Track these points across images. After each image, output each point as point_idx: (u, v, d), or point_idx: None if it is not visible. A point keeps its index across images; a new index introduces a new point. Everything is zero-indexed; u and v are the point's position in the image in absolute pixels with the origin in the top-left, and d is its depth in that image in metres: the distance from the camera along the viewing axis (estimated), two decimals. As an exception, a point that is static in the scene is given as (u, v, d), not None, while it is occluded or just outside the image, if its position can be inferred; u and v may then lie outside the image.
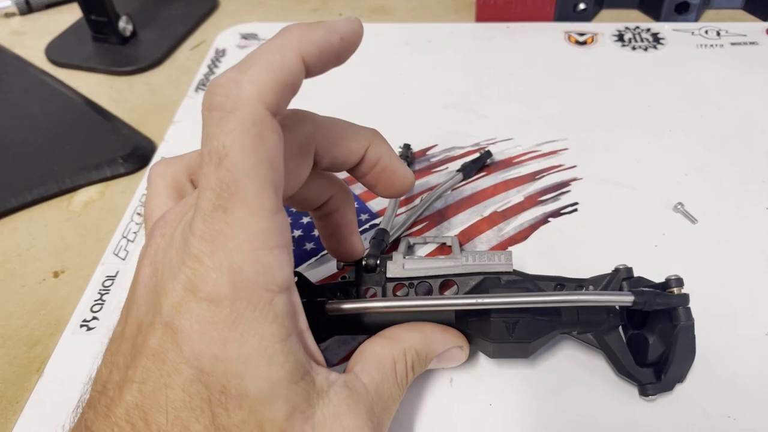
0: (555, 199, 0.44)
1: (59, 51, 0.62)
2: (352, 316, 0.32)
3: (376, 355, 0.29)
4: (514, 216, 0.43)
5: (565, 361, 0.34)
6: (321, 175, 0.31)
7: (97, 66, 0.60)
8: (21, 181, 0.47)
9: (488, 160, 0.46)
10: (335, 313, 0.31)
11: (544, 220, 0.42)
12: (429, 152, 0.48)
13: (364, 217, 0.43)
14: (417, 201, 0.43)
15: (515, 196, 0.44)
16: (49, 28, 0.66)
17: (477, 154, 0.46)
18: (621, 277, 0.33)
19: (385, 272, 0.34)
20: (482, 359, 0.35)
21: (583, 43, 0.59)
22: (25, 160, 0.49)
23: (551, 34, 0.60)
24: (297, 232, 0.43)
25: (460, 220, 0.43)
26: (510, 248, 0.40)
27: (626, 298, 0.30)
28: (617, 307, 0.33)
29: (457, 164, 0.47)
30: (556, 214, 0.43)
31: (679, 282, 0.32)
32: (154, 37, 0.63)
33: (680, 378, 0.32)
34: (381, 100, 0.54)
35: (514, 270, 0.33)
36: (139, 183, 0.47)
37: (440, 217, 0.43)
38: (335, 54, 0.25)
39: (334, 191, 0.32)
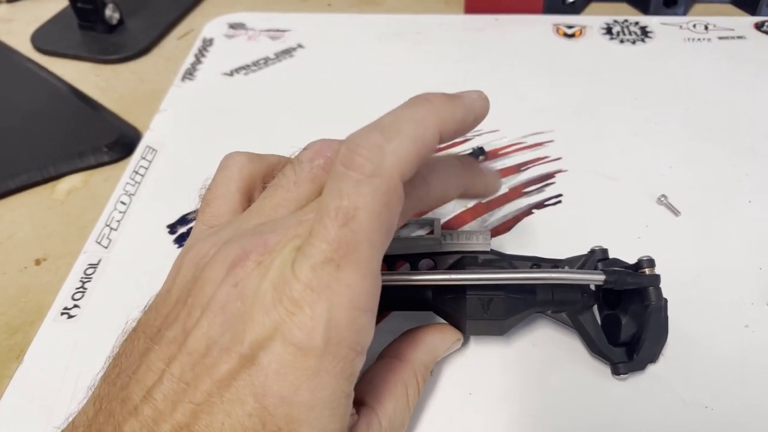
0: (540, 190, 0.44)
1: (45, 39, 0.62)
2: None
3: (387, 383, 0.29)
4: (499, 207, 0.43)
5: (541, 340, 0.35)
6: None
7: (84, 54, 0.60)
8: (4, 169, 0.47)
9: (480, 157, 0.46)
10: None
11: (528, 212, 0.42)
12: (415, 143, 0.48)
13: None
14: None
15: (500, 187, 0.44)
16: (35, 16, 0.65)
17: (469, 150, 0.46)
18: (596, 258, 0.34)
19: None
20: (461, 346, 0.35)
21: (572, 35, 0.59)
22: (9, 148, 0.49)
23: (540, 26, 0.60)
24: None
25: (444, 210, 0.43)
26: (493, 239, 0.40)
27: (598, 277, 0.31)
28: (592, 287, 0.33)
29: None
30: (540, 205, 0.43)
31: (651, 263, 0.32)
32: (141, 26, 0.63)
33: (652, 358, 0.33)
34: (369, 91, 0.54)
35: (492, 249, 0.34)
36: (123, 171, 0.47)
37: (425, 207, 0.43)
38: (465, 131, 0.27)
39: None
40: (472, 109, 0.27)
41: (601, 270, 0.32)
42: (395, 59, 0.57)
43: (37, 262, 0.42)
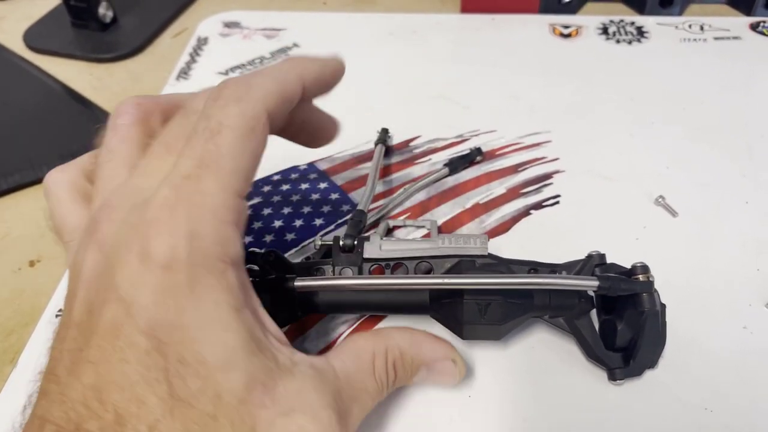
0: (537, 191, 0.44)
1: (38, 37, 0.61)
2: (324, 293, 0.32)
3: (356, 346, 0.28)
4: (497, 208, 0.42)
5: (539, 344, 0.35)
6: None
7: (77, 53, 0.59)
8: (-3, 169, 0.46)
9: (477, 158, 0.46)
10: (304, 290, 0.31)
11: (526, 212, 0.42)
12: (412, 143, 0.48)
13: (345, 208, 0.43)
14: (400, 191, 0.43)
15: (498, 188, 0.44)
16: (27, 14, 0.65)
17: (466, 150, 0.46)
18: (593, 263, 0.33)
19: (362, 253, 0.34)
20: (459, 348, 0.34)
21: (568, 35, 0.59)
22: (1, 147, 0.48)
23: (536, 26, 0.60)
24: (278, 222, 0.42)
25: (442, 211, 0.42)
26: (491, 240, 0.40)
27: (591, 283, 0.31)
28: (590, 292, 0.33)
29: (440, 156, 0.47)
30: (538, 206, 0.42)
31: (645, 269, 0.32)
32: (135, 24, 0.62)
33: (650, 364, 0.33)
34: (364, 90, 0.54)
35: (489, 254, 0.33)
36: (118, 172, 0.47)
37: (422, 208, 0.43)
38: (325, 84, 0.31)
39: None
40: (327, 64, 0.30)
41: (594, 276, 0.31)
42: (391, 58, 0.57)
43: (32, 264, 0.41)
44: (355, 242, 0.34)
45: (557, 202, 0.43)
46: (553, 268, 0.34)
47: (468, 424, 0.32)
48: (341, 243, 0.34)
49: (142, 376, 0.22)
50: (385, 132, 0.47)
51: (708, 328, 0.35)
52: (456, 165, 0.45)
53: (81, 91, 0.55)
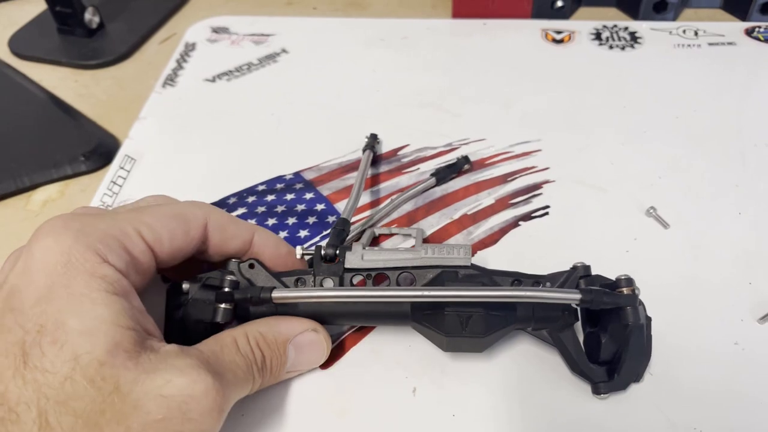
0: (526, 202, 0.43)
1: (23, 43, 0.60)
2: (305, 305, 0.32)
3: (217, 336, 0.29)
4: (485, 219, 0.42)
5: (522, 357, 0.34)
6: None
7: (62, 59, 0.58)
8: (-24, 179, 0.45)
9: (465, 166, 0.45)
10: (281, 302, 0.31)
11: (514, 224, 0.41)
12: (400, 152, 0.47)
13: (331, 219, 0.42)
14: (386, 202, 0.42)
15: (486, 198, 0.43)
16: (12, 19, 0.64)
17: (454, 159, 0.45)
18: (578, 275, 0.33)
19: (343, 263, 0.33)
20: (443, 362, 0.34)
21: (560, 41, 0.58)
22: (-18, 157, 0.48)
23: (528, 31, 0.59)
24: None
25: (430, 222, 0.42)
26: (479, 252, 0.39)
27: (573, 296, 0.30)
28: (573, 305, 0.32)
29: (429, 165, 0.46)
30: (527, 217, 0.42)
31: (629, 282, 0.31)
32: (121, 30, 0.61)
33: (635, 378, 0.32)
34: (353, 97, 0.53)
35: (472, 264, 0.33)
36: (101, 182, 0.46)
37: (409, 219, 0.42)
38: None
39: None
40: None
41: (577, 289, 0.30)
42: (381, 64, 0.56)
43: (10, 277, 0.40)
44: (337, 252, 0.34)
45: (546, 213, 0.42)
46: (537, 280, 0.33)
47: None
48: (323, 252, 0.34)
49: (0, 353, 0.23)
50: (374, 138, 0.46)
51: (698, 344, 0.34)
52: (443, 175, 0.44)
53: (66, 98, 0.54)
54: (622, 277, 0.31)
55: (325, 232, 0.41)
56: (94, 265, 0.25)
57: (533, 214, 0.42)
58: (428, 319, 0.32)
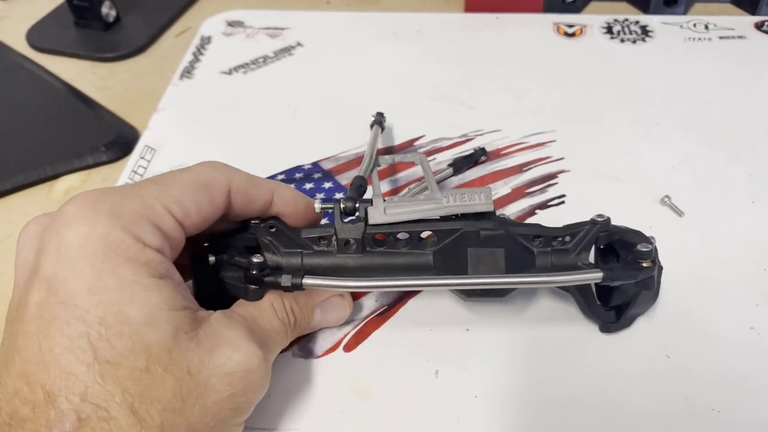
0: (542, 191, 0.43)
1: (41, 36, 0.61)
2: (330, 268, 0.33)
3: (253, 302, 0.31)
4: (501, 208, 0.42)
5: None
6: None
7: (80, 52, 0.59)
8: (0, 168, 0.46)
9: (482, 158, 0.46)
10: (311, 288, 0.31)
11: (531, 212, 0.42)
12: (416, 143, 0.48)
13: (338, 195, 0.43)
14: (404, 191, 0.43)
15: (502, 187, 0.44)
16: (30, 13, 0.64)
17: (471, 150, 0.46)
18: (598, 230, 0.34)
19: (366, 220, 0.33)
20: (464, 345, 0.35)
21: (572, 35, 0.59)
22: (5, 147, 0.48)
23: (540, 25, 0.60)
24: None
25: (447, 211, 0.42)
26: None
27: (596, 275, 0.31)
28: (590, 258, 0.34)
29: (445, 155, 0.46)
30: (543, 206, 0.42)
31: (648, 254, 0.32)
32: (138, 23, 0.62)
33: (639, 316, 0.35)
34: (368, 89, 0.53)
35: (493, 213, 0.34)
36: (122, 171, 0.47)
37: (427, 208, 0.43)
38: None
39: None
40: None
41: (599, 268, 0.32)
42: (395, 58, 0.57)
43: (35, 264, 0.41)
44: (357, 205, 0.33)
45: (562, 202, 0.43)
46: (556, 233, 0.34)
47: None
48: (342, 206, 0.33)
49: (65, 349, 0.22)
50: (380, 115, 0.47)
51: (715, 329, 0.35)
52: (460, 165, 0.44)
53: (84, 90, 0.55)
54: (643, 249, 0.32)
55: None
56: (136, 251, 0.25)
57: (549, 203, 0.43)
58: (451, 266, 0.33)
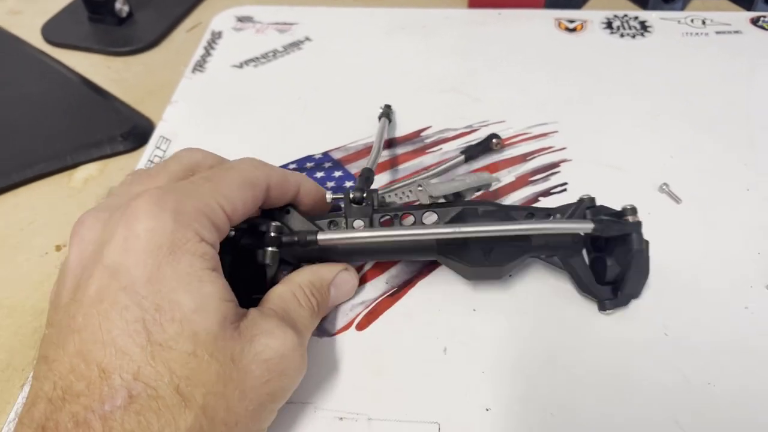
0: (545, 179, 0.45)
1: (55, 31, 0.63)
2: (342, 246, 0.36)
3: (277, 294, 0.33)
4: (506, 195, 0.44)
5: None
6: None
7: (94, 46, 0.60)
8: (22, 158, 0.48)
9: (494, 140, 0.47)
10: (325, 244, 0.34)
11: (534, 199, 0.44)
12: (423, 133, 0.50)
13: (348, 183, 0.44)
14: (414, 177, 0.45)
15: (507, 176, 0.45)
16: (45, 8, 0.66)
17: (478, 139, 0.47)
18: (585, 206, 0.36)
19: (372, 204, 0.37)
20: (472, 324, 0.36)
21: (573, 30, 0.60)
22: (26, 138, 0.50)
23: (541, 20, 0.61)
24: None
25: (454, 198, 0.44)
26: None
27: (587, 225, 0.34)
28: (581, 234, 0.36)
29: (451, 145, 0.48)
30: (546, 193, 0.44)
31: (633, 211, 0.35)
32: (150, 19, 0.64)
33: (636, 294, 0.37)
34: (376, 82, 0.55)
35: (489, 201, 0.37)
36: (138, 161, 0.48)
37: (434, 195, 0.44)
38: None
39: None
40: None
41: (590, 219, 0.35)
42: (401, 52, 0.59)
43: (58, 248, 0.43)
44: (364, 195, 0.37)
45: (564, 190, 0.44)
46: (548, 212, 0.37)
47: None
48: (351, 195, 0.37)
49: (122, 331, 0.24)
50: (388, 107, 0.50)
51: (710, 309, 0.37)
52: (472, 153, 0.46)
53: (100, 83, 0.57)
54: (628, 207, 0.35)
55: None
56: (195, 245, 0.27)
57: (552, 191, 0.44)
58: (453, 251, 0.35)
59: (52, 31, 0.63)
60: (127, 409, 0.23)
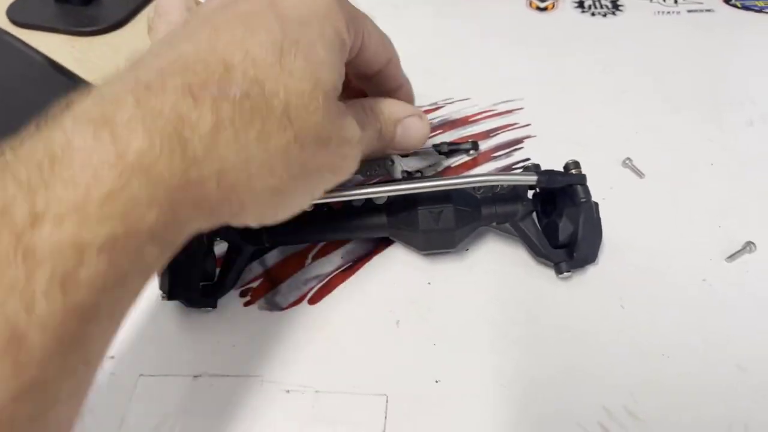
0: (508, 155, 0.44)
1: (21, 11, 0.62)
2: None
3: (350, 102, 0.32)
4: (467, 171, 0.43)
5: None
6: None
7: (59, 26, 0.59)
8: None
9: (471, 152, 0.45)
10: None
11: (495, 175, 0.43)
12: (387, 111, 0.49)
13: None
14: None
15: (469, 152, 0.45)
16: (10, -11, 0.65)
17: (465, 144, 0.45)
18: (531, 171, 0.36)
19: None
20: (426, 297, 0.36)
21: (544, 9, 0.59)
22: (-14, 117, 0.49)
23: (512, 0, 0.61)
24: None
25: (416, 174, 0.43)
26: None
27: (531, 178, 0.34)
28: (529, 196, 0.36)
29: (415, 122, 0.47)
30: (509, 169, 0.43)
31: (576, 164, 0.35)
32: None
33: (591, 257, 0.36)
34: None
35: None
36: (98, 139, 0.47)
37: (395, 171, 0.44)
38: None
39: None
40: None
41: (533, 171, 0.34)
42: (370, 32, 0.58)
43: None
44: None
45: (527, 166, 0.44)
46: (495, 182, 0.36)
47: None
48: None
49: (259, 44, 0.25)
50: (475, 145, 0.47)
51: (669, 281, 0.36)
52: (445, 151, 0.44)
53: (64, 63, 0.56)
54: (570, 161, 0.35)
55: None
56: (342, 28, 0.28)
57: (514, 167, 0.44)
58: (404, 221, 0.35)
59: (18, 11, 0.62)
60: (239, 103, 0.24)
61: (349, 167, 0.30)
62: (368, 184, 0.35)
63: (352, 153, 0.30)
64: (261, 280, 0.37)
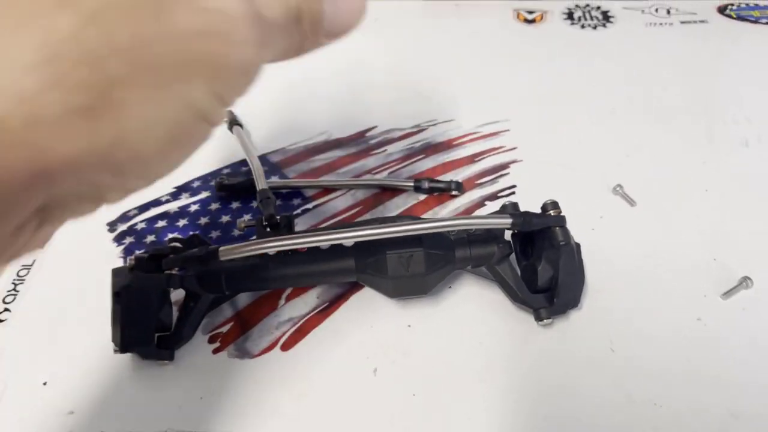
0: (493, 182, 0.42)
1: None
2: (250, 269, 0.32)
3: None
4: (451, 200, 0.41)
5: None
6: None
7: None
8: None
9: (454, 192, 0.42)
10: (227, 257, 0.30)
11: (480, 204, 0.41)
12: (368, 134, 0.47)
13: (296, 201, 0.42)
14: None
15: (453, 179, 0.43)
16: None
17: (447, 181, 0.42)
18: (507, 212, 0.34)
19: (290, 227, 0.34)
20: (405, 342, 0.34)
21: (532, 21, 0.58)
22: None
23: (500, 11, 0.59)
24: (225, 218, 0.41)
25: (396, 204, 0.41)
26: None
27: (505, 220, 0.31)
28: (507, 237, 0.34)
29: (396, 146, 0.46)
30: (493, 197, 0.41)
31: (555, 205, 0.33)
32: None
33: (573, 302, 0.34)
34: (321, 80, 0.52)
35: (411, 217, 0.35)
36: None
37: (375, 200, 0.42)
38: None
39: None
40: None
41: (508, 213, 0.32)
42: (351, 46, 0.55)
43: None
44: (278, 218, 0.34)
45: (513, 193, 0.42)
46: (469, 225, 0.34)
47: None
48: (265, 223, 0.34)
49: None
50: (230, 113, 0.45)
51: (662, 320, 0.34)
52: (426, 188, 0.42)
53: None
54: (548, 201, 0.33)
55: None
56: None
57: (500, 194, 0.42)
58: (372, 266, 0.32)
59: None
60: None
61: (234, 64, 0.19)
62: (333, 229, 0.33)
63: (231, 29, 0.18)
64: (231, 324, 0.35)
